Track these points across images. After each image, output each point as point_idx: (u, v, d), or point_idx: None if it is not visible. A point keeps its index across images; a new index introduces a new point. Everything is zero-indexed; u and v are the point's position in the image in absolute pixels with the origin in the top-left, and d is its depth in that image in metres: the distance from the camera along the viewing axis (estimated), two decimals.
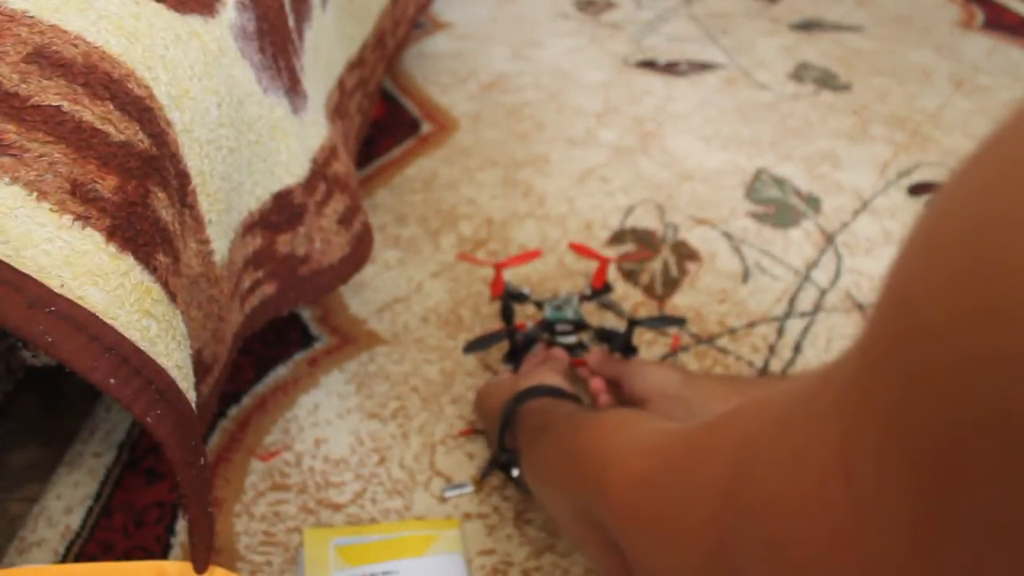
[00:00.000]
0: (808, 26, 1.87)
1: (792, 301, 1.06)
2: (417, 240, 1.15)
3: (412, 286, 1.06)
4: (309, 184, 0.78)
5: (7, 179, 0.54)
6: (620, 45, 1.75)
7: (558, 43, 1.75)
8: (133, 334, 0.56)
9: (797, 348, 0.99)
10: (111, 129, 0.58)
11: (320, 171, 0.80)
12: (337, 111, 0.98)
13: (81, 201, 0.56)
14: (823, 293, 1.07)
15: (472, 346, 0.90)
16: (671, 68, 1.65)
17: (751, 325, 1.02)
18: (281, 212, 0.76)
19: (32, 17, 0.58)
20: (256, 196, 0.74)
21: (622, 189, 1.27)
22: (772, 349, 0.99)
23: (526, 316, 1.00)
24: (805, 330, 1.01)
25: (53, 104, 0.57)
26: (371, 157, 1.32)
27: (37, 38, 0.57)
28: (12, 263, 0.53)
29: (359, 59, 1.12)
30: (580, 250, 1.00)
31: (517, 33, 1.79)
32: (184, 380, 0.59)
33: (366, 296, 1.04)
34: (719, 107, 1.51)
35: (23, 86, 0.56)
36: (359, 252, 0.85)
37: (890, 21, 1.90)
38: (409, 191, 1.25)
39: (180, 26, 0.66)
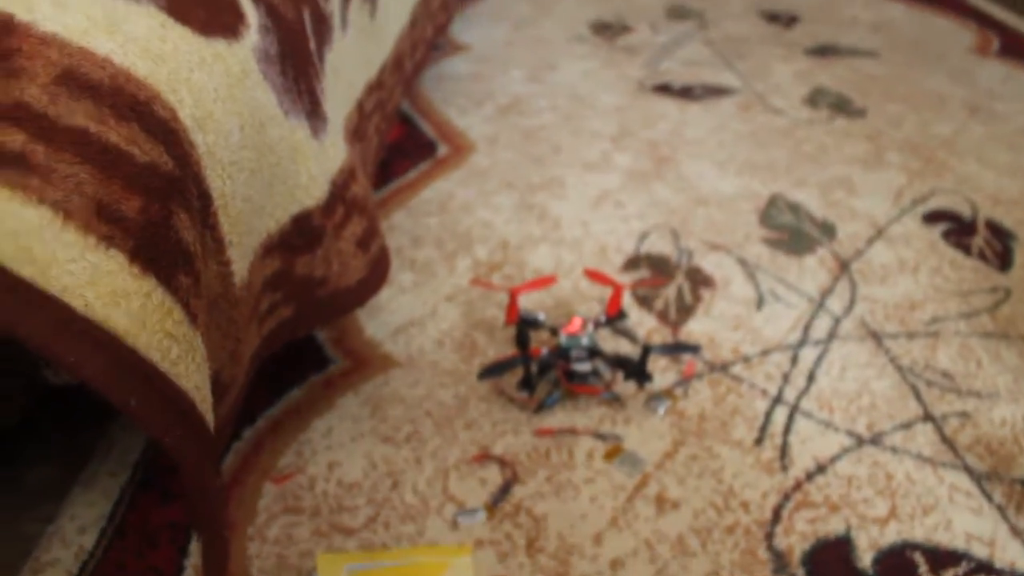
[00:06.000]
0: (823, 51, 1.88)
1: (806, 329, 1.06)
2: (433, 263, 1.15)
3: (427, 309, 1.06)
4: (328, 207, 0.79)
5: (35, 200, 0.54)
6: (635, 69, 1.75)
7: (574, 66, 1.76)
8: (154, 355, 0.56)
9: (811, 376, 0.99)
10: (136, 151, 0.59)
11: (339, 194, 0.81)
12: (356, 133, 0.98)
13: (106, 222, 0.56)
14: (837, 321, 1.07)
15: (487, 372, 0.90)
16: (686, 92, 1.66)
17: (765, 353, 1.02)
18: (300, 234, 0.76)
19: (62, 40, 0.58)
20: (276, 218, 0.74)
21: (637, 214, 1.27)
22: (786, 377, 0.98)
23: (540, 342, 1.00)
24: (819, 358, 1.01)
25: (80, 125, 0.57)
26: (388, 179, 1.33)
27: (66, 60, 0.58)
28: (38, 283, 0.53)
29: (378, 81, 1.13)
30: (595, 277, 1.01)
31: (534, 55, 1.80)
32: (203, 402, 0.60)
33: (381, 319, 1.04)
34: (734, 132, 1.51)
35: (52, 107, 0.56)
36: (376, 275, 0.86)
37: (905, 46, 1.90)
38: (425, 213, 1.25)
39: (205, 49, 0.67)
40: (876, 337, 1.05)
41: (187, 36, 0.65)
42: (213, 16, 0.69)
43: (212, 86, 0.66)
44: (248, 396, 0.92)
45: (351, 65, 1.01)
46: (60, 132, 0.56)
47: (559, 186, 1.33)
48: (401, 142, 1.43)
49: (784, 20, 2.07)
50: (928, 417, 0.94)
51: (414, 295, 1.09)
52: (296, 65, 0.78)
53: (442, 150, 1.43)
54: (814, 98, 1.65)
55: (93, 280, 0.55)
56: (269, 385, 0.94)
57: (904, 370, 1.00)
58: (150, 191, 0.58)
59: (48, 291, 0.53)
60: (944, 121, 1.57)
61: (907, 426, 0.93)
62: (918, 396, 0.96)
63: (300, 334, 0.82)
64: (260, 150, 0.70)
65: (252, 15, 0.73)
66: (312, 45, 0.84)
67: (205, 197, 0.64)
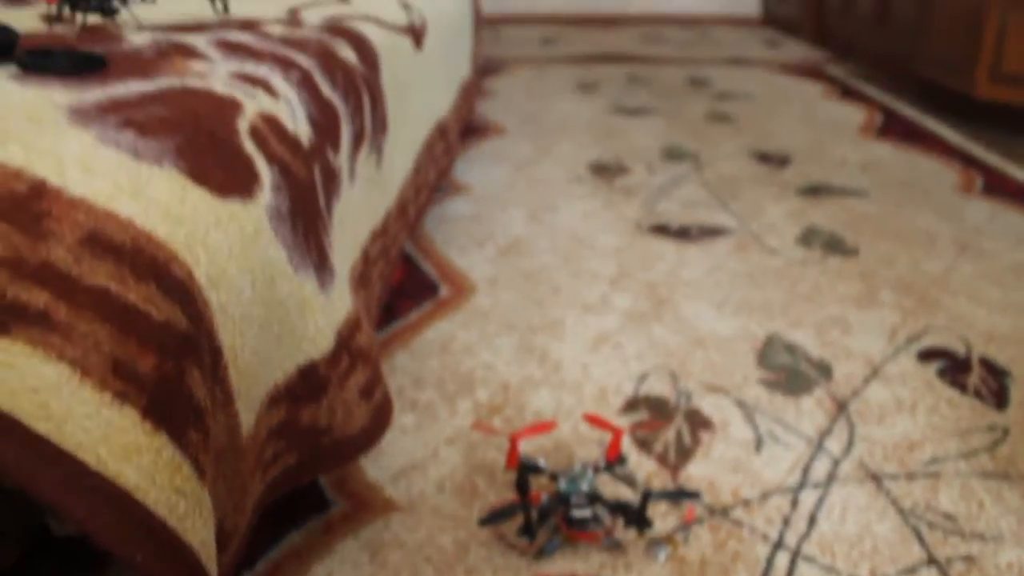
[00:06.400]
0: (814, 191, 1.94)
1: (806, 471, 1.06)
2: (434, 405, 1.16)
3: (428, 452, 1.07)
4: (334, 358, 0.81)
5: (54, 357, 0.56)
6: (633, 210, 1.81)
7: (573, 207, 1.81)
8: (162, 511, 0.57)
9: (812, 520, 0.99)
10: (153, 310, 0.61)
11: (344, 344, 0.83)
12: (360, 281, 1.02)
13: (121, 379, 0.58)
14: (836, 463, 1.07)
15: (488, 519, 0.91)
16: (683, 233, 1.71)
17: (765, 496, 1.02)
18: (306, 385, 0.78)
19: (89, 203, 0.62)
20: (283, 370, 0.76)
21: (635, 356, 1.29)
22: (787, 521, 0.98)
23: (541, 487, 1.01)
24: (820, 501, 1.01)
25: (102, 285, 0.60)
26: (390, 319, 1.36)
27: (92, 223, 0.61)
28: (52, 438, 0.55)
29: (382, 229, 1.17)
30: (595, 421, 1.02)
31: (534, 196, 1.86)
32: (208, 558, 0.60)
33: (383, 462, 1.05)
34: (730, 272, 1.55)
35: (76, 268, 0.59)
36: (379, 423, 0.87)
37: (893, 186, 1.97)
38: (427, 354, 1.28)
39: (221, 210, 0.70)
40: (876, 479, 1.05)
41: (205, 198, 0.69)
42: (230, 177, 0.73)
43: (227, 245, 0.69)
44: (248, 537, 0.92)
45: (358, 215, 1.05)
46: (82, 292, 0.59)
47: (559, 328, 1.36)
48: (403, 282, 1.47)
49: (776, 161, 2.15)
50: (932, 561, 0.93)
51: (415, 437, 1.10)
52: (306, 221, 0.82)
53: (444, 291, 1.46)
54: (807, 237, 1.70)
55: (106, 436, 0.56)
56: (269, 528, 0.94)
57: (906, 512, 1.00)
58: (164, 349, 0.61)
59: (63, 447, 0.55)
60: (935, 259, 1.61)
61: (911, 571, 0.92)
62: (921, 539, 0.96)
63: (303, 481, 0.83)
64: (270, 305, 0.73)
65: (266, 174, 0.77)
66: (321, 200, 0.88)
67: (216, 352, 0.66)
